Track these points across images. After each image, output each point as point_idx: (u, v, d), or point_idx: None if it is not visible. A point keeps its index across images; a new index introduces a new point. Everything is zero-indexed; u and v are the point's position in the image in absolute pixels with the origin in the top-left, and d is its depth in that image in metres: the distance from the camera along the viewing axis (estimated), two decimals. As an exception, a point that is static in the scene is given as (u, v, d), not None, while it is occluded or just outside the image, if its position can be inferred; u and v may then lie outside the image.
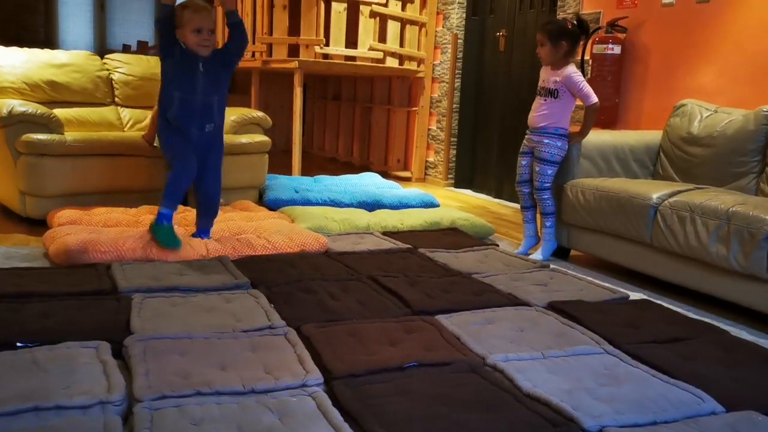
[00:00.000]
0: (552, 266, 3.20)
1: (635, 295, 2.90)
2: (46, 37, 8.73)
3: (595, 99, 3.41)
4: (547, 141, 3.45)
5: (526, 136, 3.58)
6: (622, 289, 2.90)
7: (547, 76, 3.48)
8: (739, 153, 3.30)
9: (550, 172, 3.47)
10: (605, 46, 4.26)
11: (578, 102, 3.48)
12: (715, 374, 1.98)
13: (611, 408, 1.72)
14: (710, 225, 2.76)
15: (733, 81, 3.74)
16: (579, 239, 3.50)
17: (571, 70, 3.40)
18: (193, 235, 3.14)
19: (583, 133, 3.48)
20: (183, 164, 2.93)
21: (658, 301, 2.77)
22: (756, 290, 2.64)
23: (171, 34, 2.84)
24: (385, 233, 3.64)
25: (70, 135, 3.64)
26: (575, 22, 3.46)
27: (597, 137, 3.63)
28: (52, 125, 3.58)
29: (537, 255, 3.52)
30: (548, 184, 3.49)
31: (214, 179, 3.10)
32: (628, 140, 3.72)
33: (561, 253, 3.68)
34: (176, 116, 2.88)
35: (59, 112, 3.82)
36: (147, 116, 4.21)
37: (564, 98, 3.42)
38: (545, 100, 3.47)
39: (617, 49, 4.26)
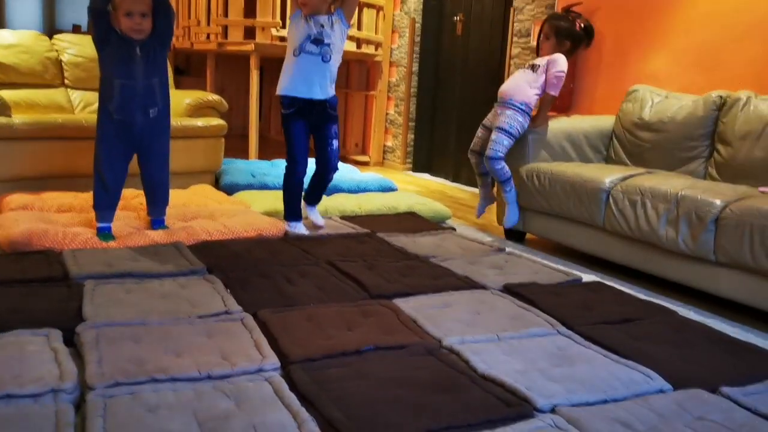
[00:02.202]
0: (508, 249, 3.25)
1: (588, 278, 2.95)
2: (-8, 17, 8.45)
3: (557, 93, 3.47)
4: (509, 112, 3.45)
5: (492, 109, 3.59)
6: (575, 272, 2.96)
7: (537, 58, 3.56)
8: (689, 138, 3.38)
9: (506, 142, 3.44)
10: (560, 31, 4.30)
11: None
12: (664, 354, 2.03)
13: (563, 387, 1.75)
14: (660, 208, 2.83)
15: (683, 67, 3.82)
16: (534, 223, 3.55)
17: (562, 57, 3.45)
18: (151, 228, 3.08)
19: (539, 118, 3.51)
20: (106, 176, 2.87)
21: (610, 283, 2.83)
22: (704, 272, 2.72)
23: (105, 22, 2.76)
24: (343, 218, 3.64)
25: (18, 118, 3.54)
26: (583, 25, 3.48)
27: (551, 122, 3.68)
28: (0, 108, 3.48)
29: (506, 221, 3.57)
30: (501, 155, 3.45)
31: (161, 165, 3.02)
32: (581, 125, 3.77)
33: (517, 236, 3.73)
34: (119, 105, 2.82)
35: (6, 94, 3.71)
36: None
37: (539, 76, 3.45)
38: (524, 70, 3.52)
39: (572, 35, 4.30)
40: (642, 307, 2.48)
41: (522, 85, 3.47)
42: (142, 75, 2.82)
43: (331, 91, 3.16)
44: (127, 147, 2.91)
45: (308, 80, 3.09)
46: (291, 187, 3.25)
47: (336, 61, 3.14)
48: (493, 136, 3.47)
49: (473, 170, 3.77)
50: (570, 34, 3.45)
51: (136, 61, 2.80)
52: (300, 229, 3.25)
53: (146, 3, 2.77)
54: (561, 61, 3.43)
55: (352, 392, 1.66)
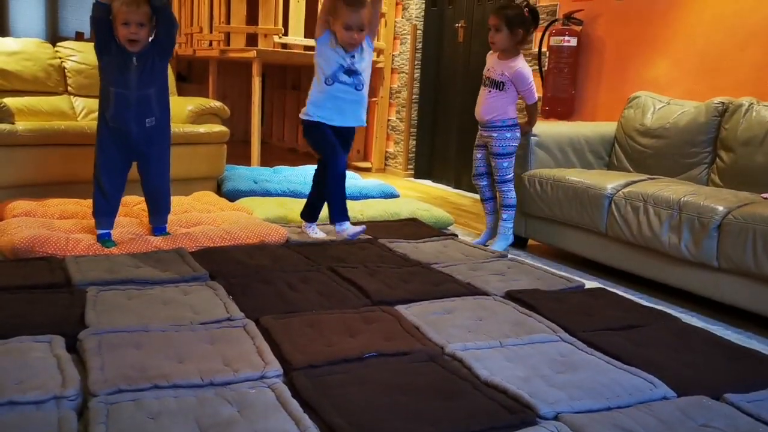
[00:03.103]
0: (510, 256, 3.24)
1: (590, 284, 2.95)
2: (-5, 24, 8.48)
3: (536, 98, 3.46)
4: (496, 135, 3.44)
5: (478, 131, 3.58)
6: (578, 278, 2.95)
7: (493, 65, 3.45)
8: (691, 144, 3.38)
9: (506, 164, 3.46)
10: (562, 38, 4.32)
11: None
12: (667, 360, 2.03)
13: (566, 394, 1.75)
14: (662, 215, 2.83)
15: (685, 73, 3.82)
16: (536, 229, 3.55)
17: (522, 65, 3.37)
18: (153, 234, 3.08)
19: (531, 123, 3.52)
20: (104, 182, 2.88)
21: (613, 290, 2.83)
22: (706, 278, 2.72)
23: (107, 31, 2.77)
24: (344, 224, 3.63)
25: (21, 125, 3.55)
26: (527, 9, 3.45)
27: (553, 128, 3.69)
28: (3, 114, 3.48)
29: (492, 245, 3.54)
30: (508, 177, 3.48)
31: (160, 173, 3.01)
32: (583, 131, 3.77)
33: (519, 242, 3.72)
34: (114, 114, 2.83)
35: (10, 101, 3.71)
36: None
37: (509, 91, 3.40)
38: (490, 91, 3.44)
39: (573, 42, 4.31)
40: (645, 314, 2.47)
41: (495, 105, 3.42)
42: (137, 85, 2.82)
43: (363, 118, 3.19)
44: (125, 155, 2.91)
45: (342, 110, 3.11)
46: (336, 180, 3.18)
47: (367, 87, 3.15)
48: (494, 163, 3.48)
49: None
50: (522, 22, 3.34)
51: (131, 71, 2.80)
52: (357, 230, 3.24)
53: (144, 13, 2.76)
54: (525, 74, 3.35)
55: (355, 399, 1.66)
